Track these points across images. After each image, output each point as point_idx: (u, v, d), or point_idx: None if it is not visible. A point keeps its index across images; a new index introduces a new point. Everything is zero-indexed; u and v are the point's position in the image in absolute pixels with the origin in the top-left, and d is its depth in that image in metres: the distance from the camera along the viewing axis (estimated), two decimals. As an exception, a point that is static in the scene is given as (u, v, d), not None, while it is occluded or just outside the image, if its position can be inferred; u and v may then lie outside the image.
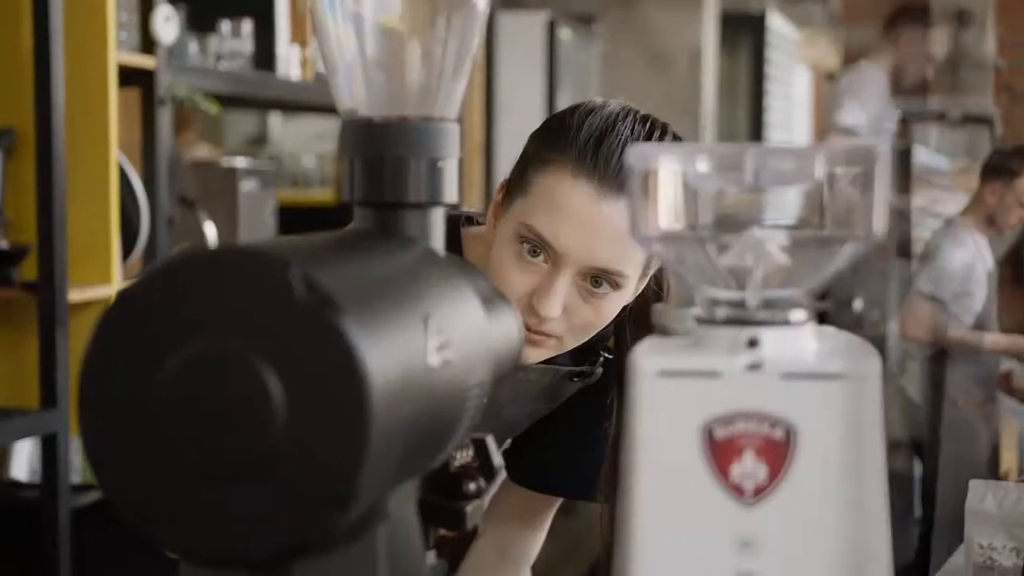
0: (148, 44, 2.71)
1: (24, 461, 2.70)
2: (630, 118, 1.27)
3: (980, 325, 4.23)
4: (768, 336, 0.70)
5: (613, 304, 1.27)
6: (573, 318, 1.26)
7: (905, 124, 5.25)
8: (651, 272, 1.32)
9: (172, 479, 0.63)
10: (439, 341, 0.72)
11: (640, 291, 1.33)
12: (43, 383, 2.38)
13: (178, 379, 0.63)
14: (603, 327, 1.30)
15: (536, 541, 1.58)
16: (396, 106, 0.84)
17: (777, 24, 7.52)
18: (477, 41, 0.86)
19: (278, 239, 0.71)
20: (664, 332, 0.80)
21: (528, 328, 1.25)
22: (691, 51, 5.50)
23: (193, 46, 2.99)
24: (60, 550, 2.39)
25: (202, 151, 4.07)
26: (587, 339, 1.30)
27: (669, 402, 0.70)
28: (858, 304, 4.69)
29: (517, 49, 4.74)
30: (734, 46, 7.20)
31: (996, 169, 4.23)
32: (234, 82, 3.04)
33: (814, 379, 0.69)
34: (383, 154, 0.82)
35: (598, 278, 1.24)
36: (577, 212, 1.22)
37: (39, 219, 2.40)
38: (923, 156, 5.20)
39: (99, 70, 2.52)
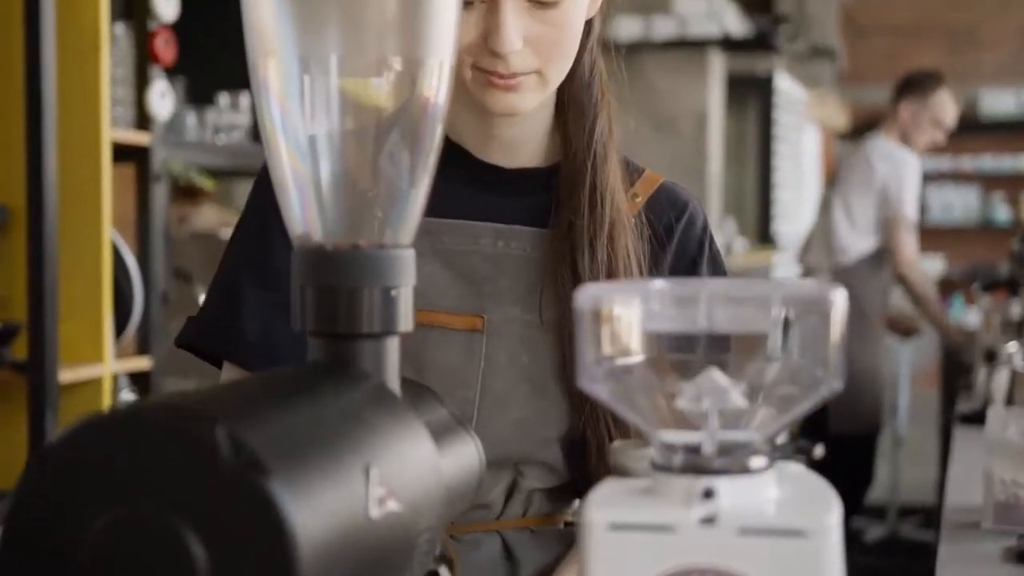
0: (144, 119, 2.70)
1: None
2: None
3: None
4: (725, 486, 0.67)
5: (571, 11, 1.17)
6: (538, 44, 1.17)
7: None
8: None
9: (89, 652, 0.60)
10: (382, 491, 0.69)
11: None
12: (31, 466, 2.35)
13: (101, 542, 0.61)
14: (574, 43, 1.19)
15: None
16: (350, 233, 0.82)
17: (785, 85, 7.53)
18: (432, 165, 0.84)
19: (213, 388, 0.68)
20: (622, 472, 0.77)
21: (500, 75, 1.17)
22: (697, 115, 5.49)
23: (191, 119, 2.98)
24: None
25: (210, 213, 4.06)
26: (568, 63, 1.20)
27: (621, 556, 0.67)
28: None
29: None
30: (742, 107, 7.21)
31: (911, 88, 4.37)
32: (231, 155, 3.04)
33: (772, 535, 0.66)
34: (336, 283, 0.80)
35: None
36: None
37: (30, 298, 2.38)
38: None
39: (93, 147, 2.51)
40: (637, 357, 0.71)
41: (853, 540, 5.32)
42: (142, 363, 2.74)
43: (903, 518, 5.55)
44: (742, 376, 0.70)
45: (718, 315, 0.69)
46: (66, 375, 2.45)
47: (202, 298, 2.98)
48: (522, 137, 1.28)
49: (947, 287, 10.02)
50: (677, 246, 1.29)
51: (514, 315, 1.23)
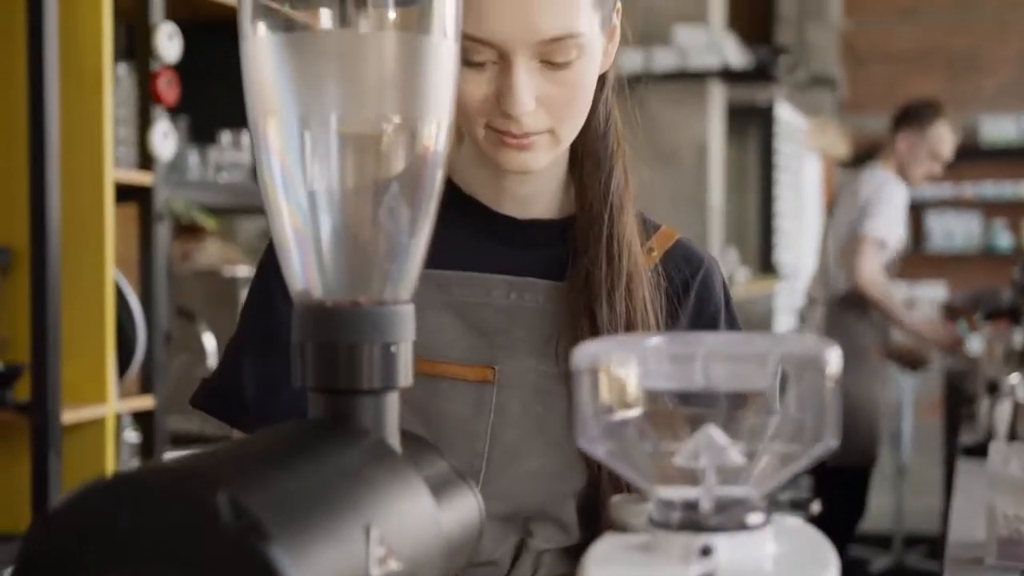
0: (146, 159, 2.72)
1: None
2: None
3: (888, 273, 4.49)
4: (723, 543, 0.68)
5: (585, 71, 1.16)
6: (551, 104, 1.16)
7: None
8: (615, 21, 1.23)
9: None
10: (382, 551, 0.69)
11: (612, 50, 1.25)
12: (35, 508, 2.36)
13: (103, 606, 0.61)
14: (587, 101, 1.18)
15: None
16: (349, 289, 0.83)
17: (785, 114, 7.55)
18: (431, 220, 0.85)
19: (215, 450, 0.69)
20: (621, 527, 0.78)
21: (512, 135, 1.16)
22: (698, 146, 5.51)
23: (194, 157, 3.00)
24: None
25: (213, 250, 4.07)
26: (580, 121, 1.19)
27: (620, 614, 0.68)
28: None
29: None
30: (743, 137, 7.23)
31: (909, 119, 4.37)
32: (233, 194, 3.05)
33: (770, 592, 0.66)
34: (336, 339, 0.81)
35: (554, 50, 1.14)
36: None
37: (33, 339, 2.39)
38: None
39: (96, 187, 2.52)
40: (634, 414, 0.71)
41: (858, 570, 5.30)
42: (145, 402, 2.75)
43: (908, 548, 5.54)
44: (739, 432, 0.71)
45: (714, 372, 0.70)
46: (69, 416, 2.45)
47: (205, 336, 2.98)
48: (536, 190, 1.27)
49: (950, 314, 10.04)
50: (695, 304, 1.27)
51: (528, 366, 1.22)
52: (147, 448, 2.76)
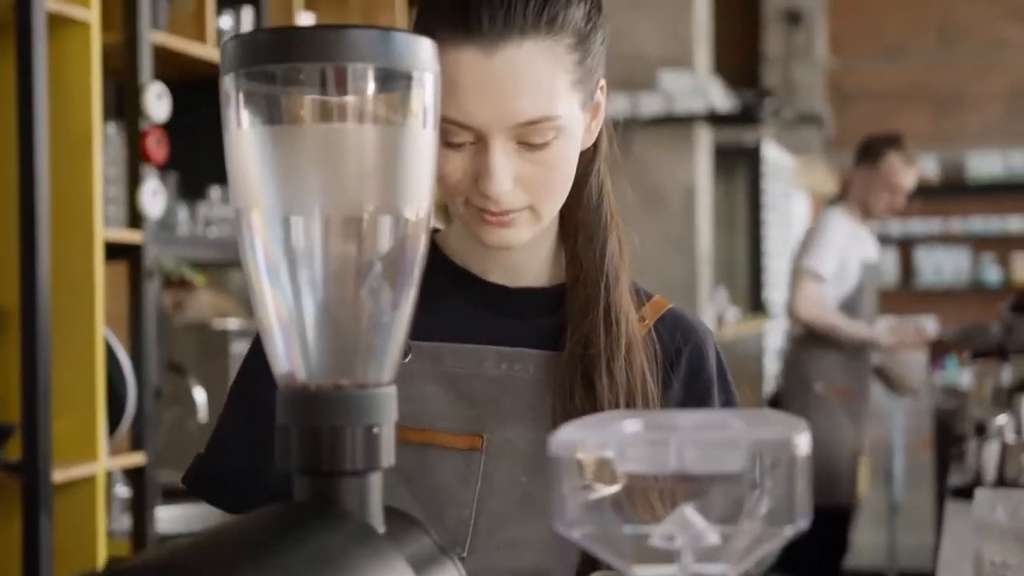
0: (136, 218, 2.74)
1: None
2: None
3: (847, 315, 4.40)
4: (699, 623, 0.70)
5: (564, 149, 1.17)
6: (529, 184, 1.16)
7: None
8: (599, 98, 1.23)
9: None
10: (365, 636, 0.71)
11: (596, 126, 1.24)
12: (26, 568, 2.36)
13: None
14: (566, 179, 1.19)
15: None
16: (332, 372, 0.85)
17: (772, 154, 7.60)
18: (411, 304, 0.87)
19: (198, 538, 0.70)
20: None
21: (491, 213, 1.17)
22: (686, 188, 5.55)
23: (183, 213, 3.02)
24: None
25: (204, 299, 4.09)
26: (561, 197, 1.20)
27: None
28: None
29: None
30: (730, 177, 7.27)
31: (862, 155, 4.41)
32: (224, 248, 3.07)
33: (744, 672, 0.68)
34: (319, 423, 0.82)
35: (530, 133, 1.14)
36: (472, 80, 1.12)
37: (24, 398, 2.40)
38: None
39: (86, 246, 2.54)
40: (610, 497, 0.73)
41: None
42: (136, 459, 2.75)
43: (902, 586, 5.54)
44: (715, 513, 0.73)
45: (688, 456, 0.72)
46: (60, 475, 2.46)
47: (196, 390, 2.99)
48: (525, 260, 1.28)
49: (940, 349, 10.07)
50: (687, 372, 1.28)
51: (517, 434, 1.22)
52: (138, 503, 2.77)
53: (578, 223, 1.27)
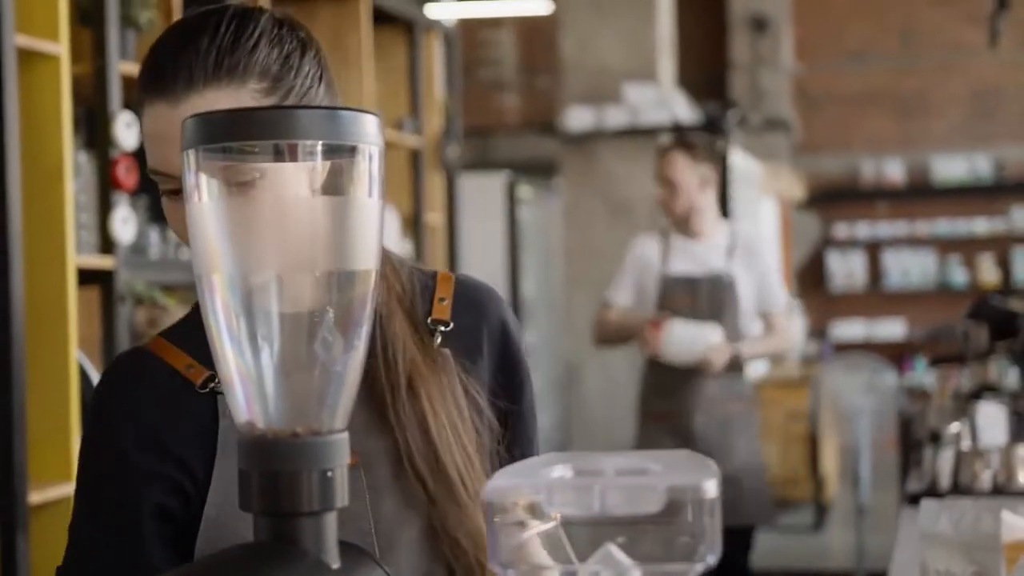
0: (107, 243, 2.80)
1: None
2: (189, 19, 1.23)
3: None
4: (620, 653, 0.77)
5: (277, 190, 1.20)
6: None
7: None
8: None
9: None
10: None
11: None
12: (4, 588, 2.42)
13: None
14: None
15: None
16: (289, 421, 0.92)
17: (739, 161, 7.69)
18: (362, 357, 0.94)
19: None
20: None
21: None
22: (652, 199, 5.62)
23: (154, 236, 3.08)
24: None
25: (177, 315, 4.14)
26: None
27: None
28: None
29: (479, 208, 4.85)
30: (698, 184, 7.34)
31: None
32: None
33: None
34: (277, 468, 0.90)
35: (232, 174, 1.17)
36: (163, 130, 1.18)
37: (-1, 422, 2.46)
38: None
39: (58, 272, 2.60)
40: (539, 538, 0.81)
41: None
42: (110, 478, 2.81)
43: (869, 586, 5.63)
44: (636, 551, 0.80)
45: (610, 499, 0.79)
46: (36, 496, 2.52)
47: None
48: None
49: (908, 350, 10.20)
50: (495, 341, 1.34)
51: (380, 444, 1.27)
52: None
53: None
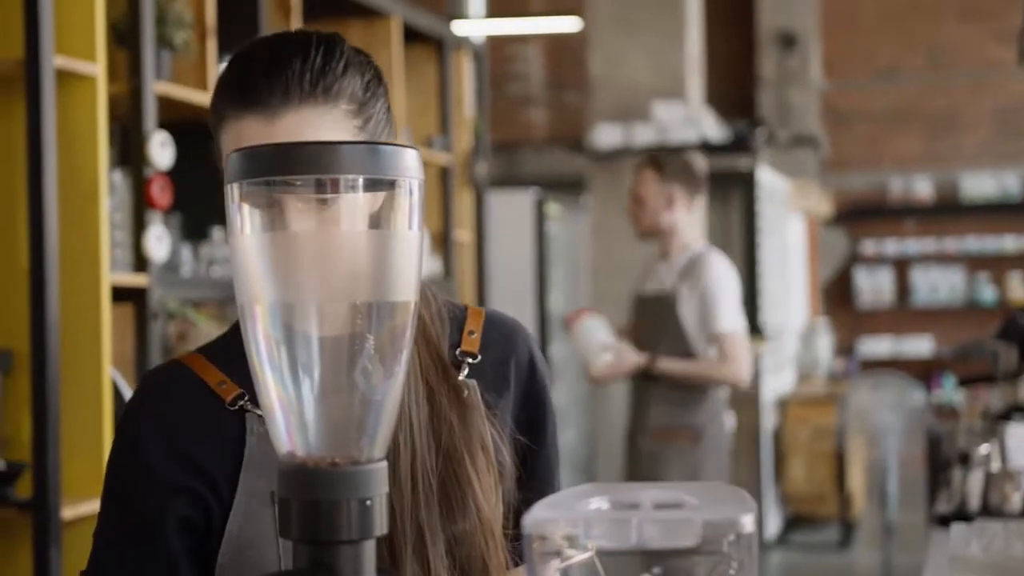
0: (141, 261, 2.83)
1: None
2: (271, 38, 1.25)
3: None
4: None
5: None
6: None
7: None
8: None
9: None
10: None
11: None
12: (37, 603, 2.45)
13: None
14: None
15: None
16: (329, 450, 0.93)
17: (767, 178, 7.68)
18: (400, 385, 0.95)
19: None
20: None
21: None
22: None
23: (187, 253, 3.11)
24: None
25: (207, 330, 4.16)
26: None
27: None
28: None
29: (507, 224, 4.86)
30: (726, 202, 7.35)
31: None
32: (226, 288, 3.16)
33: None
34: (317, 497, 0.91)
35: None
36: (253, 142, 1.18)
37: (34, 438, 2.48)
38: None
39: (93, 290, 2.63)
40: (578, 570, 0.82)
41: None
42: (142, 494, 2.83)
43: (896, 606, 5.61)
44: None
45: (647, 533, 0.80)
46: (69, 512, 2.54)
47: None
48: None
49: (936, 367, 10.16)
50: (520, 376, 1.36)
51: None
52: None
53: None
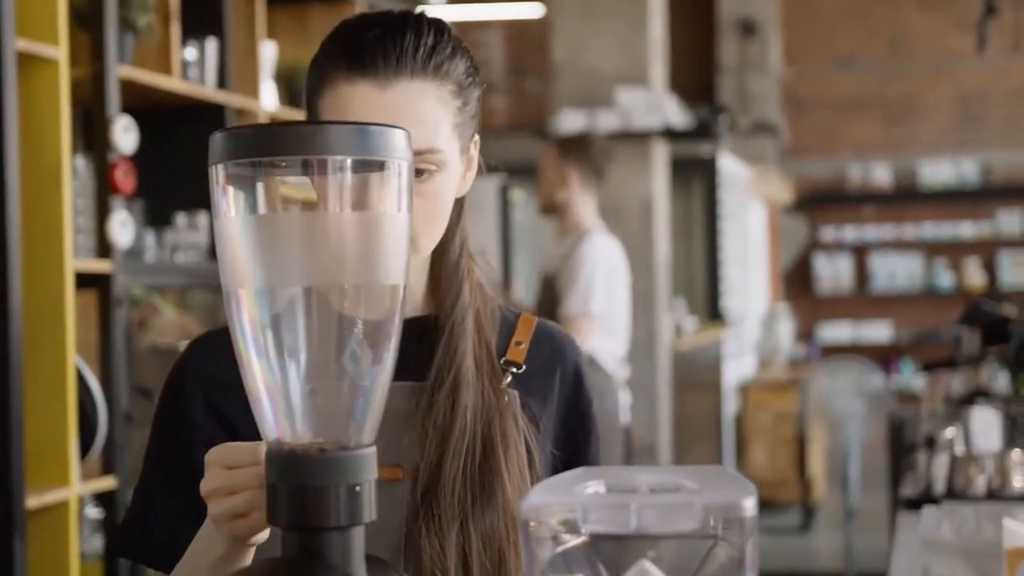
0: (105, 248, 2.79)
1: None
2: (380, 13, 1.27)
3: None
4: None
5: (443, 186, 1.24)
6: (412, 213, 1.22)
7: None
8: (473, 152, 1.30)
9: None
10: None
11: (470, 178, 1.31)
12: (1, 593, 2.41)
13: None
14: (445, 214, 1.25)
15: None
16: (317, 436, 0.92)
17: (728, 165, 7.71)
18: (389, 372, 0.94)
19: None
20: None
21: None
22: (643, 202, 5.63)
23: (151, 240, 3.07)
24: None
25: (170, 317, 4.12)
26: (439, 232, 1.26)
27: None
28: None
29: (472, 212, 4.81)
30: (687, 188, 7.38)
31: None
32: (190, 274, 3.13)
33: None
34: (305, 483, 0.89)
35: (417, 162, 1.18)
36: (366, 110, 1.20)
37: (-2, 427, 2.45)
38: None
39: (57, 277, 2.59)
40: (576, 553, 0.81)
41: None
42: (107, 483, 2.81)
43: (859, 587, 5.65)
44: (671, 567, 0.80)
45: (646, 517, 0.79)
46: (33, 500, 2.51)
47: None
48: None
49: (894, 352, 10.23)
50: (567, 387, 1.36)
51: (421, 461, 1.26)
52: (110, 526, 2.82)
53: (441, 272, 1.32)
